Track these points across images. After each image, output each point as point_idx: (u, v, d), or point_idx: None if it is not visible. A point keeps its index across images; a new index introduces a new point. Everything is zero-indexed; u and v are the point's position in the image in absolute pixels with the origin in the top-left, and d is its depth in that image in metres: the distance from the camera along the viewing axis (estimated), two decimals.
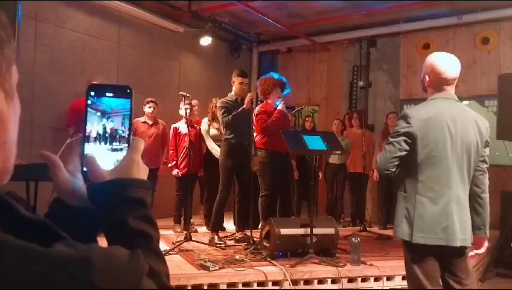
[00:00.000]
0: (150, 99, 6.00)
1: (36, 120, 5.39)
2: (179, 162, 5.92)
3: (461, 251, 2.34)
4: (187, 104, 5.38)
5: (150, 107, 5.96)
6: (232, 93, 5.13)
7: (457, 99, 2.41)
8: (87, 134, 0.75)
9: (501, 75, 5.83)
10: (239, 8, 7.11)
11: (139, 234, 0.67)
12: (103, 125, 0.75)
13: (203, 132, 6.05)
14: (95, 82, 5.38)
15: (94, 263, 0.50)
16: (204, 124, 6.10)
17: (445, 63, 2.38)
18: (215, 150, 5.81)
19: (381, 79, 8.36)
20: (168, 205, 6.14)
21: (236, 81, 5.07)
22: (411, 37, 7.98)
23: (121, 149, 0.75)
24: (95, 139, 0.75)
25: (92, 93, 0.75)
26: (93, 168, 0.73)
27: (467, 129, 2.33)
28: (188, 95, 5.22)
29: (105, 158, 0.73)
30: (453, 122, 2.31)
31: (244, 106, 4.85)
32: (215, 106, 5.91)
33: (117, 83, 5.80)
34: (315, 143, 4.38)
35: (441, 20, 7.43)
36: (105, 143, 0.75)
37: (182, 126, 5.91)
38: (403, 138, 2.32)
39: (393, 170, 2.37)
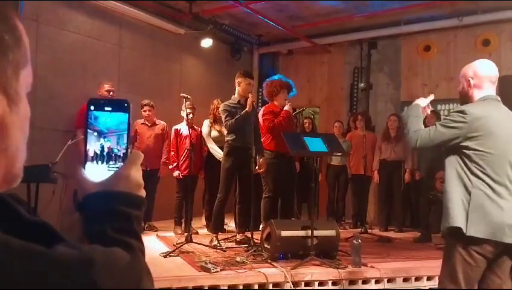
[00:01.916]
0: (144, 102, 5.98)
1: (37, 122, 5.38)
2: (179, 163, 5.92)
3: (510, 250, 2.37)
4: (189, 106, 5.39)
5: (145, 111, 5.97)
6: (235, 95, 5.10)
7: (500, 101, 2.49)
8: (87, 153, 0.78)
9: (502, 76, 5.80)
10: (240, 10, 7.12)
11: (119, 243, 0.65)
12: (101, 145, 0.77)
13: (204, 134, 6.04)
14: (109, 88, 5.41)
15: (97, 263, 0.51)
16: (205, 126, 6.10)
17: (486, 63, 2.52)
18: (217, 152, 5.81)
19: (381, 81, 8.36)
20: (169, 207, 6.14)
21: (243, 82, 4.99)
22: (412, 39, 7.98)
23: (117, 168, 0.77)
24: (92, 158, 0.77)
25: (92, 108, 0.78)
26: (81, 180, 0.73)
27: None
28: (188, 97, 5.22)
29: (104, 177, 0.75)
30: (505, 121, 2.40)
31: (246, 109, 4.83)
32: (217, 108, 5.91)
33: (120, 82, 5.83)
34: (316, 145, 4.38)
35: (442, 22, 7.43)
36: (102, 162, 0.77)
37: (183, 128, 5.92)
38: (453, 131, 2.36)
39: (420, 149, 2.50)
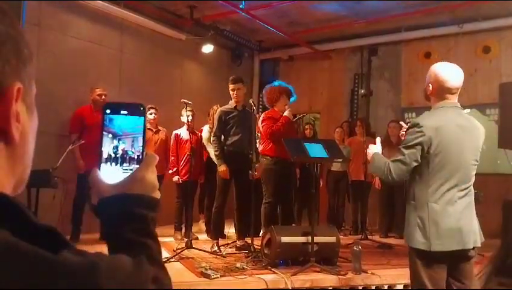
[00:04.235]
0: (150, 106, 6.05)
1: (38, 126, 5.39)
2: (179, 168, 5.92)
3: (470, 254, 2.40)
4: (189, 111, 5.40)
5: (151, 114, 6.01)
6: (232, 100, 5.14)
7: (461, 107, 2.46)
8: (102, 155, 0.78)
9: (502, 83, 5.83)
10: (241, 16, 7.14)
11: (136, 244, 0.68)
12: (115, 146, 0.78)
13: (205, 140, 6.04)
14: (103, 92, 5.44)
15: (101, 268, 0.52)
16: (205, 131, 6.10)
17: (449, 72, 2.41)
18: None
19: (382, 87, 8.37)
20: (168, 212, 6.13)
21: (230, 88, 5.08)
22: (412, 45, 8.00)
23: (131, 170, 0.78)
24: (107, 160, 0.78)
25: (108, 111, 0.78)
26: (96, 182, 0.75)
27: (473, 136, 2.42)
28: (189, 102, 5.24)
29: (118, 179, 0.76)
30: (462, 130, 2.38)
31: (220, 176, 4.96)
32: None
33: (121, 88, 5.85)
34: (316, 151, 4.38)
35: (442, 28, 7.46)
36: (116, 164, 0.78)
37: (183, 133, 5.92)
38: (419, 147, 2.35)
39: (406, 179, 2.46)
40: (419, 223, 2.35)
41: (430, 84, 2.45)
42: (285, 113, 5.12)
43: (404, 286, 4.07)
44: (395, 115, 7.89)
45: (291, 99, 5.40)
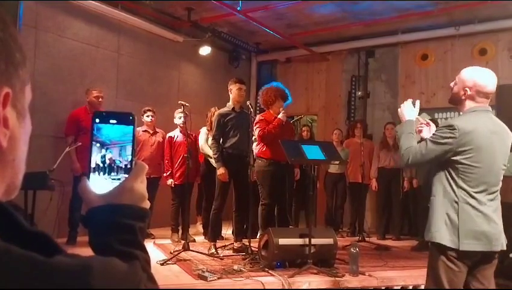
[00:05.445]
0: (147, 108, 6.05)
1: (35, 129, 5.31)
2: (173, 171, 5.90)
3: (495, 257, 2.44)
4: (181, 112, 5.39)
5: (148, 116, 6.00)
6: (230, 102, 5.13)
7: (492, 111, 2.51)
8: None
9: (499, 86, 5.83)
10: (238, 18, 7.15)
11: (124, 255, 0.67)
12: (102, 156, 0.78)
13: (202, 142, 6.02)
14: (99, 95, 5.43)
15: (94, 270, 0.52)
16: (202, 134, 6.09)
17: (488, 78, 2.48)
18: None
19: (379, 89, 8.38)
20: (165, 214, 6.12)
21: (234, 88, 5.06)
22: (409, 47, 8.02)
23: (119, 179, 0.77)
24: (94, 169, 0.78)
25: (97, 120, 0.78)
26: (85, 192, 0.75)
27: (503, 141, 2.46)
28: (187, 104, 5.23)
29: (106, 188, 0.76)
30: (494, 134, 2.41)
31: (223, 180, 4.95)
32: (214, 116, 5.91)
33: (118, 90, 5.82)
34: (314, 153, 4.39)
35: (439, 31, 7.48)
36: (104, 174, 0.78)
37: (177, 135, 5.91)
38: (443, 147, 2.37)
39: (415, 168, 2.53)
40: (447, 220, 2.36)
41: (467, 89, 2.47)
42: (280, 116, 5.12)
43: (401, 287, 4.08)
44: (392, 117, 7.89)
45: (286, 102, 5.40)
